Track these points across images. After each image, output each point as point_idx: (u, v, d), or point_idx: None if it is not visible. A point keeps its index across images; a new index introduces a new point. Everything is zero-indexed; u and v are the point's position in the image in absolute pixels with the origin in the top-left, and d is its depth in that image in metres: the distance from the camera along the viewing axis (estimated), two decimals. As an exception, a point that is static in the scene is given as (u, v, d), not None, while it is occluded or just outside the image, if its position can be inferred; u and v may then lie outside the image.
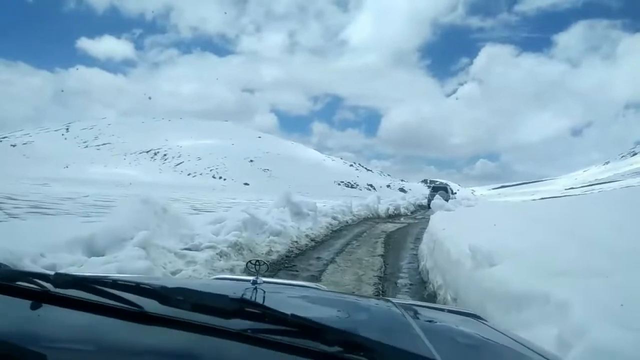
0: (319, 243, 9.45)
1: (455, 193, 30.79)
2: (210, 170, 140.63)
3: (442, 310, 1.59)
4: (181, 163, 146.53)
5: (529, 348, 1.05)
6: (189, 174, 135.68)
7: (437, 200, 12.19)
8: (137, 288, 0.82)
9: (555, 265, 3.41)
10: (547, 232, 5.25)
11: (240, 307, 0.77)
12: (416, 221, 16.21)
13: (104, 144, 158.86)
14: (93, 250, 5.56)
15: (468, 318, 1.39)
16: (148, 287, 0.82)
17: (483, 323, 1.34)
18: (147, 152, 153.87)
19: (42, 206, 13.45)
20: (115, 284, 0.83)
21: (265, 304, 0.81)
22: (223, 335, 0.72)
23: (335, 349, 0.68)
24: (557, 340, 2.37)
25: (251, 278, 1.32)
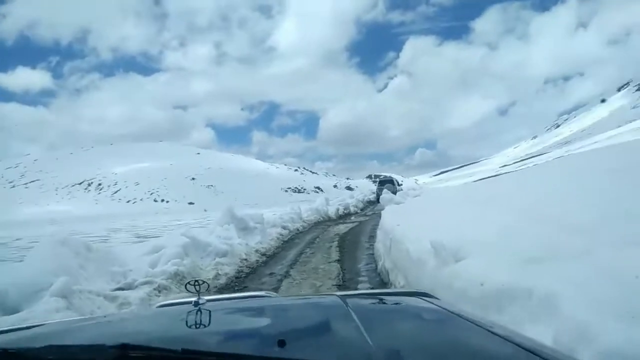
0: (270, 257, 8.88)
1: (401, 184, 31.06)
2: (151, 194, 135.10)
3: (390, 294, 1.58)
4: (118, 191, 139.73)
5: (476, 324, 1.03)
6: (128, 201, 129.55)
7: (385, 194, 11.98)
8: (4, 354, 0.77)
9: (528, 251, 3.08)
10: (505, 214, 5.00)
11: (122, 353, 0.72)
12: (367, 218, 15.99)
13: (32, 182, 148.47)
14: (5, 307, 4.71)
15: (416, 298, 1.38)
16: (14, 351, 0.78)
17: (430, 301, 1.30)
18: (80, 183, 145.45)
19: None
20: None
21: (210, 326, 0.87)
22: None
23: None
24: (556, 344, 1.99)
25: (193, 299, 1.30)
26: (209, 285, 1.69)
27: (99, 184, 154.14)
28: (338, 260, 7.92)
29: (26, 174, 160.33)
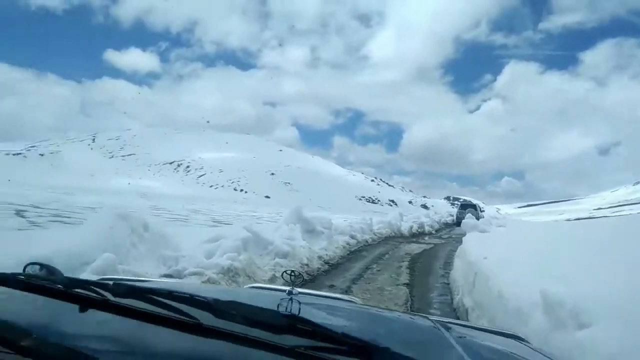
0: (333, 266, 8.16)
1: (484, 211, 29.17)
2: (232, 183, 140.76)
3: (481, 329, 1.51)
4: (203, 175, 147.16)
5: None
6: (210, 186, 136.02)
7: (469, 219, 10.78)
8: (191, 300, 0.82)
9: None
10: (629, 267, 3.87)
11: (291, 323, 0.77)
12: (443, 241, 14.74)
13: (129, 155, 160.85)
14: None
15: (509, 339, 1.34)
16: (202, 299, 0.83)
17: (525, 345, 1.28)
18: (171, 163, 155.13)
19: (63, 215, 13.72)
20: (171, 294, 0.83)
21: (302, 315, 0.86)
22: (276, 351, 0.73)
23: None
24: None
25: (286, 288, 1.39)
26: (303, 279, 1.93)
27: (187, 167, 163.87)
28: (407, 285, 7.01)
29: (125, 147, 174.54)
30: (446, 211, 34.52)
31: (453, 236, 18.45)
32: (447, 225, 26.12)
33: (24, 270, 1.07)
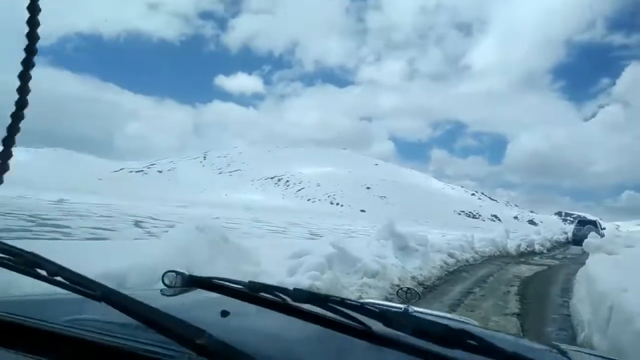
0: (428, 289, 7.28)
1: (604, 229, 25.61)
2: (328, 197, 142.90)
3: (610, 359, 1.38)
4: (302, 189, 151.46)
5: None
6: (308, 200, 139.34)
7: (592, 238, 9.14)
8: (362, 308, 0.84)
9: None
10: None
11: (461, 337, 0.74)
12: (557, 262, 12.92)
13: (235, 171, 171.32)
14: (122, 288, 4.21)
15: None
16: (372, 308, 0.84)
17: None
18: (272, 178, 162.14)
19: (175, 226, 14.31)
20: (343, 302, 0.85)
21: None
22: None
23: None
24: None
25: (402, 306, 1.38)
26: (419, 297, 1.64)
27: (287, 181, 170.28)
28: (518, 315, 5.92)
29: (231, 163, 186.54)
30: (559, 228, 30.99)
31: (568, 256, 16.25)
32: (560, 244, 23.34)
33: (162, 278, 1.13)
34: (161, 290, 1.11)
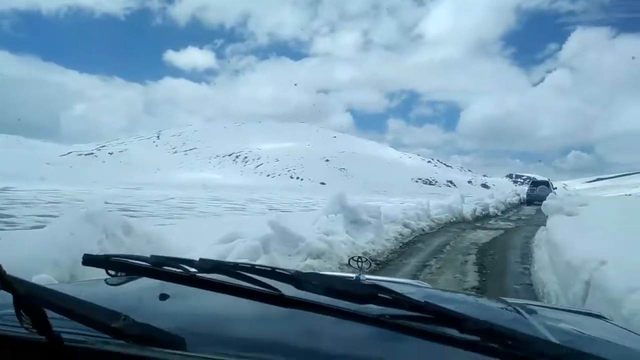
0: (380, 265, 6.56)
1: (556, 188, 26.33)
2: (288, 171, 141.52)
3: (562, 309, 1.50)
4: (261, 165, 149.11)
5: None
6: (268, 175, 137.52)
7: (552, 200, 8.70)
8: (273, 273, 0.83)
9: None
10: None
11: (373, 292, 0.75)
12: (512, 225, 12.64)
13: (191, 149, 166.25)
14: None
15: (591, 317, 1.29)
16: (284, 272, 0.83)
17: (609, 322, 1.24)
18: (230, 155, 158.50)
19: (130, 209, 13.91)
20: (254, 268, 0.84)
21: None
22: (360, 320, 0.72)
23: (473, 337, 0.66)
24: None
25: (353, 275, 1.31)
26: (371, 264, 1.62)
27: (245, 157, 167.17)
28: (477, 289, 5.29)
29: (187, 142, 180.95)
30: (511, 190, 31.35)
31: (522, 217, 16.17)
32: (513, 205, 23.56)
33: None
34: (106, 280, 1.07)
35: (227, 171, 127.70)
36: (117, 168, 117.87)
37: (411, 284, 1.65)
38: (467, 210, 14.45)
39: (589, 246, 4.18)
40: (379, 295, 0.74)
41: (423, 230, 9.99)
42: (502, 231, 10.56)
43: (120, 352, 0.61)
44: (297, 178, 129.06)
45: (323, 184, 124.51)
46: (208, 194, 34.03)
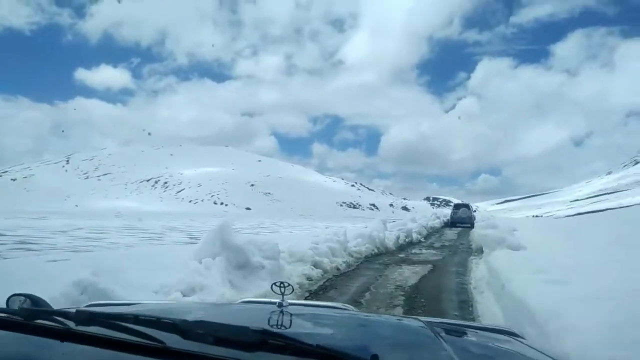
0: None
1: (475, 211, 26.76)
2: (212, 197, 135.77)
3: (474, 327, 1.51)
4: (182, 190, 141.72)
5: None
6: (190, 201, 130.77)
7: (490, 230, 7.16)
8: (158, 323, 0.80)
9: None
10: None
11: (262, 339, 0.74)
12: (439, 255, 11.10)
13: (105, 175, 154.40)
14: None
15: (502, 335, 1.30)
16: (169, 321, 0.80)
17: (518, 340, 1.24)
18: (148, 180, 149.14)
19: (29, 241, 12.88)
20: (137, 319, 0.81)
21: (292, 328, 0.87)
22: None
23: None
24: None
25: (277, 301, 1.30)
26: (293, 289, 1.54)
27: (165, 183, 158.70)
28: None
29: (100, 166, 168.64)
30: (432, 213, 30.98)
31: (446, 244, 14.94)
32: (434, 230, 22.68)
33: (7, 302, 1.02)
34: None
35: (145, 198, 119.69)
36: (20, 195, 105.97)
37: (334, 307, 1.64)
38: (390, 238, 12.79)
39: (584, 319, 2.33)
40: (269, 341, 0.73)
41: (338, 269, 7.98)
42: (430, 266, 8.84)
43: None
44: (222, 204, 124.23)
45: (249, 209, 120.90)
46: (122, 223, 30.58)
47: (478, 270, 7.38)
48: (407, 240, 14.57)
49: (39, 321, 0.80)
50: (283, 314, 1.15)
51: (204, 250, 5.72)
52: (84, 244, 12.77)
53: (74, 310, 0.81)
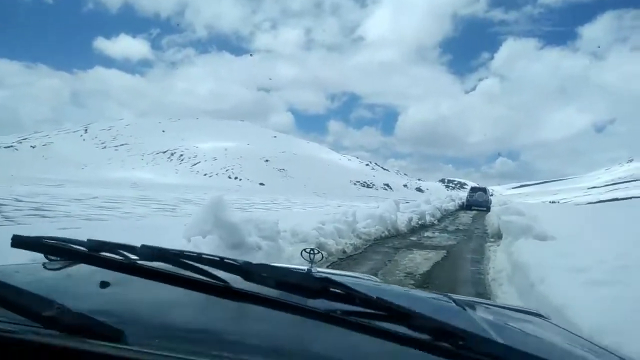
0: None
1: (492, 195, 26.59)
2: (226, 171, 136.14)
3: (503, 307, 1.43)
4: (197, 164, 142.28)
5: (599, 347, 1.00)
6: (205, 175, 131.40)
7: (517, 217, 6.44)
8: (221, 263, 0.79)
9: None
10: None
11: (324, 286, 0.73)
12: (453, 240, 10.47)
13: (122, 145, 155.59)
14: None
15: (532, 317, 1.28)
16: (232, 262, 0.79)
17: (548, 322, 1.25)
18: (164, 152, 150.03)
19: (44, 208, 12.85)
20: (200, 258, 0.80)
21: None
22: (309, 315, 0.69)
23: (424, 335, 0.65)
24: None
25: (305, 267, 1.28)
26: (323, 256, 1.52)
27: (181, 155, 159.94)
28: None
29: (117, 137, 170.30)
30: (446, 195, 30.17)
31: (460, 228, 14.28)
32: (449, 213, 21.98)
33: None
34: (44, 264, 0.98)
35: (161, 169, 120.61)
36: (39, 162, 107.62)
37: (362, 278, 1.61)
38: (402, 220, 12.17)
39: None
40: (331, 289, 0.72)
41: (344, 252, 7.41)
42: (443, 252, 8.22)
43: (51, 343, 0.55)
44: (236, 178, 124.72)
45: (262, 184, 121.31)
46: (137, 193, 30.63)
47: (497, 259, 6.73)
48: (420, 222, 13.94)
49: (103, 253, 0.81)
50: None
51: (196, 228, 5.18)
52: (98, 213, 12.90)
53: (138, 245, 0.81)
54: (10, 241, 0.86)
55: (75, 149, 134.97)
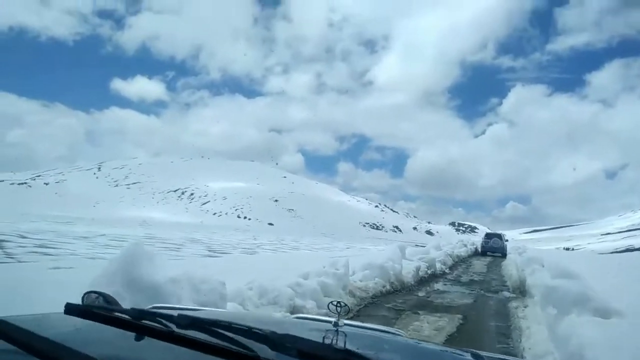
0: None
1: (507, 241, 25.58)
2: (236, 210, 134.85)
3: None
4: (207, 202, 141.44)
5: None
6: (214, 214, 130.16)
7: (563, 280, 4.79)
8: (250, 332, 0.83)
9: None
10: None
11: (344, 358, 0.77)
12: (469, 297, 8.61)
13: (134, 183, 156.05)
14: None
15: None
16: (260, 332, 0.83)
17: None
18: (175, 191, 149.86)
19: (49, 245, 12.85)
20: (230, 326, 0.85)
21: (349, 348, 0.86)
22: None
23: None
24: None
25: (332, 319, 1.31)
26: (349, 310, 1.62)
27: (191, 194, 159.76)
28: None
29: (130, 175, 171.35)
30: (458, 240, 28.14)
31: (475, 279, 12.38)
32: (461, 260, 19.99)
33: (82, 299, 1.07)
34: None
35: (172, 208, 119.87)
36: (51, 199, 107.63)
37: (389, 332, 1.62)
38: (408, 270, 10.34)
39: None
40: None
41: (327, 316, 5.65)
42: (458, 317, 6.38)
43: None
44: (245, 217, 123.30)
45: (271, 224, 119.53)
46: (144, 232, 30.54)
47: (532, 333, 4.90)
48: (429, 272, 12.07)
49: (144, 321, 0.85)
50: (338, 334, 1.14)
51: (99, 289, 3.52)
52: (102, 251, 12.47)
53: (176, 314, 0.84)
54: (63, 308, 0.89)
55: (87, 187, 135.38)
